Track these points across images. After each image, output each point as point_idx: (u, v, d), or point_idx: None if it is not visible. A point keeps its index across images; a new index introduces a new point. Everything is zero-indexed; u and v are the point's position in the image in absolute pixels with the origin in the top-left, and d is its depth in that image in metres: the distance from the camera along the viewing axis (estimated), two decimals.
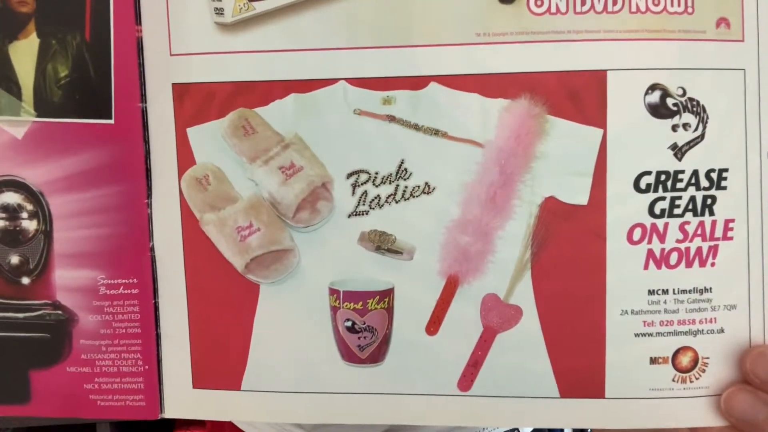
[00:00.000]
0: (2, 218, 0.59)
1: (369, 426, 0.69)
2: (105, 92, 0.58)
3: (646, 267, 0.55)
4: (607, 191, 0.54)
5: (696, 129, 0.54)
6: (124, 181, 0.59)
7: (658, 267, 0.55)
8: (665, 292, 0.55)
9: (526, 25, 0.54)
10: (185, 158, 0.58)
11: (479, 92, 0.55)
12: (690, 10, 0.53)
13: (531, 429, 0.88)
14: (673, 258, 0.55)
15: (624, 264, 0.55)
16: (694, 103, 0.54)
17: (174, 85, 0.57)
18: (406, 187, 0.56)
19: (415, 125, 0.56)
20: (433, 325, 0.57)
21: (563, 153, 0.55)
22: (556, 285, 0.56)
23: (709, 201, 0.55)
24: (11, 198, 0.59)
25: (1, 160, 0.59)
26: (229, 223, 0.58)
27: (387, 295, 0.57)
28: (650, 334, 0.55)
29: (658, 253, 0.55)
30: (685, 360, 0.56)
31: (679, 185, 0.54)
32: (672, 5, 0.53)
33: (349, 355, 0.58)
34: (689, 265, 0.55)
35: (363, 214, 0.57)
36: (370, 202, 0.57)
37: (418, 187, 0.56)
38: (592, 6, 0.53)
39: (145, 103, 0.58)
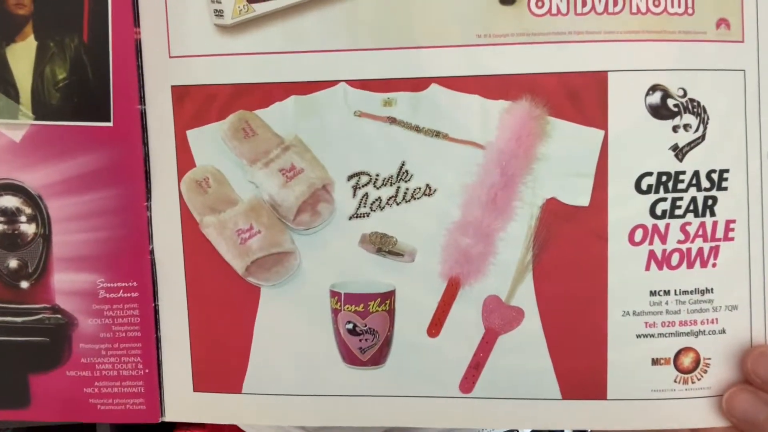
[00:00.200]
0: (1, 222, 0.59)
1: (370, 428, 0.68)
2: (103, 95, 0.57)
3: (647, 268, 0.55)
4: (608, 192, 0.54)
5: (697, 130, 0.54)
6: (123, 183, 0.58)
7: (660, 268, 0.55)
8: (667, 293, 0.55)
9: (526, 26, 0.54)
10: (185, 161, 0.58)
11: (480, 94, 0.55)
12: (690, 11, 0.53)
13: (530, 431, 0.88)
14: (675, 259, 0.55)
15: (625, 265, 0.55)
16: (695, 103, 0.54)
17: (173, 87, 0.57)
18: (407, 189, 0.56)
19: (415, 127, 0.56)
20: (435, 327, 0.57)
21: (564, 154, 0.55)
22: (558, 286, 0.56)
23: (710, 202, 0.55)
24: (9, 201, 0.59)
25: None
26: (229, 225, 0.57)
27: (388, 297, 0.57)
28: (652, 335, 0.55)
29: (659, 254, 0.55)
30: (686, 361, 0.56)
31: (680, 186, 0.54)
32: (672, 6, 0.53)
33: (350, 358, 0.58)
34: (690, 265, 0.55)
35: (364, 216, 0.57)
36: (371, 204, 0.57)
37: (419, 188, 0.56)
38: (593, 7, 0.53)
39: (144, 105, 0.58)
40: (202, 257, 0.59)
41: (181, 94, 0.57)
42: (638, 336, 0.55)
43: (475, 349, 0.57)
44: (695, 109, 0.54)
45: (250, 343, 0.59)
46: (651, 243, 0.55)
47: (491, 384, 0.57)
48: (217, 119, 0.57)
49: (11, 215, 0.59)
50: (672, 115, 0.54)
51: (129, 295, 0.59)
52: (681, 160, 0.54)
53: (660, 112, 0.54)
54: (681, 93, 0.54)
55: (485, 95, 0.54)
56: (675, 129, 0.54)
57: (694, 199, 0.55)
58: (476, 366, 0.57)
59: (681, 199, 0.54)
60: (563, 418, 0.57)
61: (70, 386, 0.61)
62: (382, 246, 0.57)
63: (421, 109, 0.55)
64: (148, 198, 0.58)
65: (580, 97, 0.54)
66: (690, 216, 0.55)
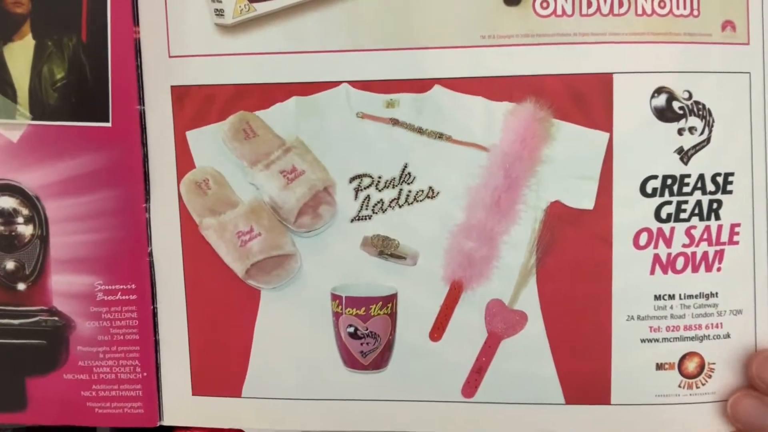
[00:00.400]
0: None
1: None
2: (102, 94, 0.57)
3: (652, 272, 0.54)
4: (613, 196, 0.54)
5: (702, 132, 0.54)
6: (121, 184, 0.58)
7: (665, 272, 0.54)
8: (671, 297, 0.55)
9: (531, 27, 0.53)
10: (184, 162, 0.57)
11: (484, 95, 0.54)
12: (696, 12, 0.53)
13: None
14: (680, 263, 0.54)
15: (630, 269, 0.54)
16: (700, 106, 0.53)
17: (173, 87, 0.56)
18: (409, 191, 0.56)
19: (418, 128, 0.55)
20: (437, 331, 0.57)
21: (569, 157, 0.54)
22: (562, 290, 0.55)
23: (715, 205, 0.54)
24: (6, 202, 0.58)
25: None
26: (229, 227, 0.57)
27: (390, 300, 0.57)
28: (656, 340, 0.55)
29: (664, 258, 0.54)
30: (691, 366, 0.55)
31: (686, 189, 0.54)
32: (678, 8, 0.53)
33: (351, 362, 0.58)
34: (695, 269, 0.55)
35: (366, 219, 0.56)
36: (373, 207, 0.56)
37: (422, 191, 0.56)
38: (598, 8, 0.53)
39: (143, 105, 0.57)
40: (201, 259, 0.58)
41: (180, 94, 0.56)
42: (642, 340, 0.55)
43: (477, 354, 0.56)
44: (700, 112, 0.53)
45: (249, 346, 0.58)
46: (656, 247, 0.54)
47: (494, 389, 0.56)
48: (218, 120, 0.56)
49: (8, 216, 0.58)
50: (677, 117, 0.53)
51: (127, 297, 0.59)
52: (686, 163, 0.54)
53: (665, 114, 0.53)
54: (686, 95, 0.53)
55: (489, 97, 0.54)
56: (680, 132, 0.53)
57: (699, 203, 0.54)
58: (479, 370, 0.56)
59: (686, 202, 0.54)
60: (567, 423, 0.56)
61: (67, 389, 0.60)
62: (384, 249, 0.56)
63: (424, 111, 0.55)
64: (147, 199, 0.58)
65: (585, 99, 0.53)
66: (695, 219, 0.54)
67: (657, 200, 0.54)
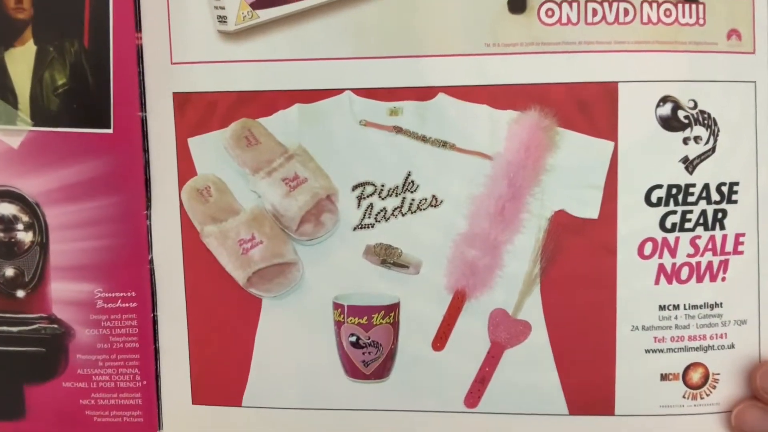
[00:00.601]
0: None
1: None
2: (104, 101, 0.56)
3: (657, 282, 0.54)
4: (618, 205, 0.54)
5: (707, 142, 0.53)
6: (122, 191, 0.57)
7: (669, 282, 0.54)
8: (676, 307, 0.54)
9: (536, 35, 0.53)
10: (186, 169, 0.57)
11: (488, 103, 0.54)
12: (701, 21, 0.52)
13: None
14: (684, 273, 0.54)
15: (635, 279, 0.54)
16: (705, 115, 0.53)
17: (175, 94, 0.56)
18: (412, 199, 0.55)
19: (422, 137, 0.55)
20: (440, 340, 0.56)
21: (573, 166, 0.54)
22: (566, 300, 0.55)
23: (719, 215, 0.54)
24: (6, 209, 0.58)
25: None
26: (230, 235, 0.56)
27: (392, 309, 0.56)
28: (661, 350, 0.54)
29: (669, 268, 0.54)
30: (695, 376, 0.55)
31: (690, 199, 0.54)
32: (683, 16, 0.52)
33: (353, 371, 0.57)
34: (700, 279, 0.54)
35: (368, 227, 0.56)
36: (376, 215, 0.56)
37: (425, 199, 0.55)
38: (604, 17, 0.52)
39: (145, 112, 0.57)
40: (202, 267, 0.58)
41: (182, 101, 0.56)
42: (647, 351, 0.54)
43: (480, 363, 0.56)
44: (706, 121, 0.53)
45: (250, 355, 0.58)
46: (660, 256, 0.54)
47: (497, 399, 0.56)
48: (220, 127, 0.56)
49: (8, 223, 0.58)
50: (682, 126, 0.53)
51: (127, 305, 0.58)
52: (691, 173, 0.53)
53: (670, 123, 0.53)
54: (692, 104, 0.53)
55: (493, 105, 0.54)
56: (685, 141, 0.53)
57: (704, 212, 0.54)
58: (482, 380, 0.56)
59: (691, 212, 0.54)
60: None
61: (66, 397, 0.59)
62: (387, 257, 0.56)
63: (428, 119, 0.54)
64: (148, 206, 0.57)
65: (590, 108, 0.53)
66: (700, 229, 0.54)
67: (662, 210, 0.54)
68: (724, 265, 0.54)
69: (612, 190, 0.53)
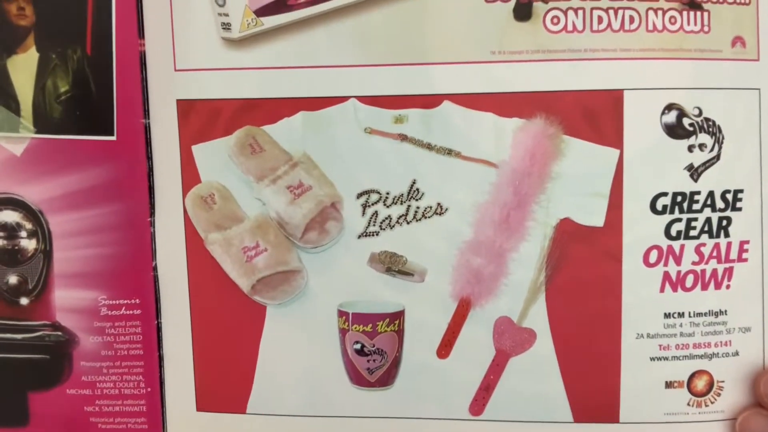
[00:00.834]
0: (0, 237, 0.58)
1: None
2: (107, 108, 0.56)
3: (662, 290, 0.54)
4: (623, 213, 0.53)
5: (712, 149, 0.53)
6: (126, 199, 0.57)
7: (674, 290, 0.54)
8: (681, 315, 0.54)
9: (542, 43, 0.53)
10: (190, 176, 0.57)
11: (494, 111, 0.54)
12: (706, 29, 0.52)
13: None
14: (689, 280, 0.54)
15: (640, 287, 0.54)
16: (710, 123, 0.53)
17: (178, 101, 0.56)
18: (417, 207, 0.55)
19: (427, 144, 0.55)
20: (445, 348, 0.56)
21: (579, 174, 0.54)
22: (571, 308, 0.55)
23: (724, 222, 0.54)
24: (9, 216, 0.58)
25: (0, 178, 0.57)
26: (235, 243, 0.56)
27: (397, 317, 0.56)
28: (666, 358, 0.54)
29: (674, 276, 0.54)
30: (700, 384, 0.55)
31: (695, 207, 0.54)
32: (688, 24, 0.52)
33: (357, 379, 0.57)
34: (705, 287, 0.54)
35: (373, 235, 0.56)
36: (381, 223, 0.56)
37: (430, 207, 0.55)
38: (609, 24, 0.52)
39: (148, 119, 0.56)
40: (206, 275, 0.57)
41: (186, 108, 0.56)
42: (652, 359, 0.54)
43: (485, 371, 0.56)
44: (710, 129, 0.53)
45: (255, 362, 0.58)
46: (666, 264, 0.54)
47: (502, 407, 0.56)
48: (224, 134, 0.56)
49: (11, 230, 0.58)
50: (687, 134, 0.53)
51: (131, 312, 0.58)
52: (696, 181, 0.53)
53: (675, 131, 0.53)
54: (696, 112, 0.53)
55: (499, 113, 0.54)
56: (690, 149, 0.53)
57: (708, 220, 0.54)
58: (486, 388, 0.56)
59: (696, 219, 0.54)
60: None
61: (70, 405, 0.59)
62: (392, 265, 0.56)
63: (433, 127, 0.54)
64: (152, 214, 0.57)
65: (596, 116, 0.53)
66: (704, 237, 0.54)
67: (667, 217, 0.54)
68: (729, 272, 0.54)
69: (617, 198, 0.53)
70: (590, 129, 0.53)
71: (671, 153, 0.53)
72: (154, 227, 0.57)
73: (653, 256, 0.54)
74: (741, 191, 0.54)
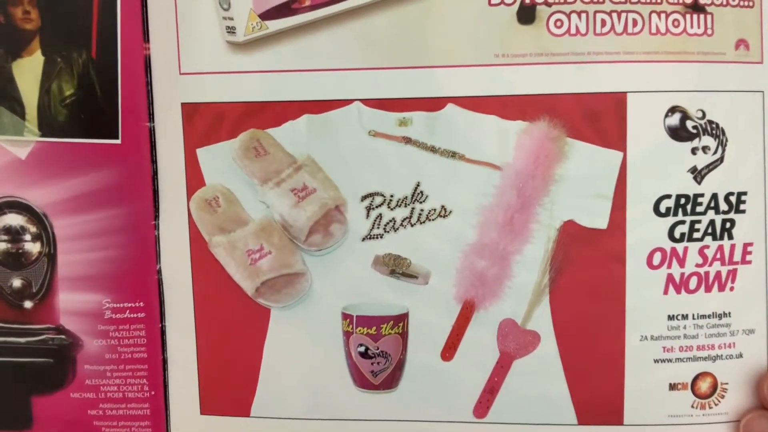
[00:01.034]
0: (4, 240, 0.58)
1: None
2: (111, 111, 0.56)
3: (665, 292, 0.54)
4: (626, 215, 0.54)
5: (715, 152, 0.53)
6: (130, 202, 0.57)
7: (678, 292, 0.54)
8: (685, 317, 0.54)
9: (545, 46, 0.53)
10: (194, 179, 0.57)
11: (497, 114, 0.54)
12: (709, 31, 0.53)
13: None
14: (693, 282, 0.54)
15: (644, 289, 0.54)
16: (714, 125, 0.53)
17: (183, 104, 0.56)
18: (421, 210, 0.55)
19: (431, 147, 0.55)
20: (449, 350, 0.56)
21: (583, 176, 0.54)
22: (575, 310, 0.55)
23: (728, 225, 0.54)
24: (14, 220, 0.58)
25: (4, 181, 0.57)
26: (239, 245, 0.56)
27: (401, 320, 0.56)
28: (670, 360, 0.54)
29: (677, 278, 0.54)
30: (704, 386, 0.55)
31: (699, 209, 0.54)
32: (692, 27, 0.52)
33: (362, 381, 0.57)
34: (708, 289, 0.54)
35: (377, 238, 0.56)
36: (385, 226, 0.56)
37: (434, 210, 0.55)
38: (612, 27, 0.52)
39: (153, 122, 0.57)
40: (210, 277, 0.58)
41: (190, 111, 0.56)
42: (656, 361, 0.54)
43: (489, 374, 0.56)
44: (714, 131, 0.53)
45: (259, 365, 0.58)
46: (669, 266, 0.54)
47: (506, 409, 0.56)
48: (228, 137, 0.56)
49: (15, 234, 0.58)
50: (691, 137, 0.53)
51: (135, 315, 0.58)
52: (699, 183, 0.53)
53: (679, 133, 0.53)
54: (700, 114, 0.53)
55: (502, 115, 0.54)
56: (694, 151, 0.53)
57: (712, 222, 0.54)
58: (491, 390, 0.56)
59: (699, 222, 0.54)
60: None
61: (74, 408, 0.59)
62: (396, 268, 0.56)
63: (437, 129, 0.54)
64: (156, 217, 0.57)
65: (599, 118, 0.53)
66: (708, 239, 0.54)
67: (670, 220, 0.54)
68: (733, 274, 0.54)
69: (621, 200, 0.53)
70: (593, 131, 0.53)
71: (675, 155, 0.53)
72: (158, 230, 0.58)
73: (657, 258, 0.54)
74: (744, 193, 0.54)
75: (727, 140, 0.53)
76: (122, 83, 0.56)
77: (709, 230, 0.54)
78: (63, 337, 0.58)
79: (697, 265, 0.54)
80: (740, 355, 0.55)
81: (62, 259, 0.58)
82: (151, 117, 0.56)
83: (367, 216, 0.56)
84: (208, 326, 0.58)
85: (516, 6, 0.53)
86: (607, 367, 0.55)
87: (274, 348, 0.58)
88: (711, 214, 0.54)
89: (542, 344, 0.55)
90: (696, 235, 0.54)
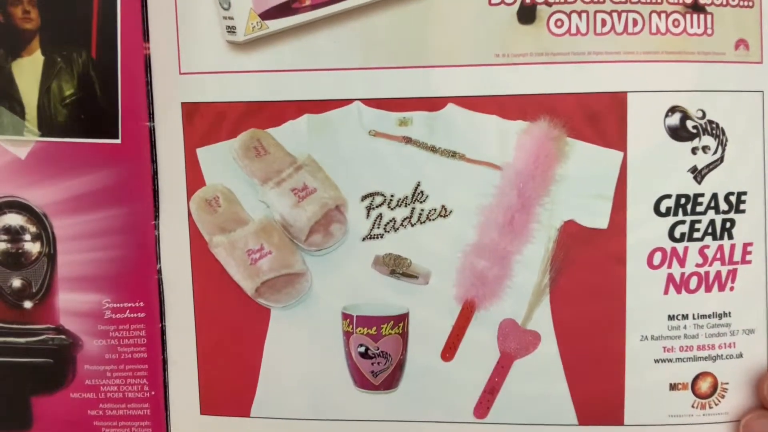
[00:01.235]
0: (4, 240, 0.58)
1: None
2: (111, 111, 0.56)
3: (666, 292, 0.54)
4: (627, 215, 0.54)
5: (715, 152, 0.53)
6: (130, 202, 0.57)
7: (678, 291, 0.54)
8: (685, 317, 0.54)
9: (545, 46, 0.53)
10: (194, 179, 0.57)
11: (498, 114, 0.54)
12: (709, 31, 0.53)
13: None
14: (693, 282, 0.54)
15: (644, 289, 0.54)
16: (714, 125, 0.53)
17: (183, 104, 0.56)
18: (422, 210, 0.55)
19: (431, 147, 0.55)
20: (449, 350, 0.56)
21: (583, 176, 0.54)
22: (575, 310, 0.55)
23: (728, 224, 0.54)
24: (14, 220, 0.57)
25: (4, 181, 0.57)
26: (239, 245, 0.56)
27: (401, 320, 0.56)
28: (670, 360, 0.54)
29: (678, 278, 0.54)
30: (704, 386, 0.55)
31: (699, 209, 0.54)
32: (692, 27, 0.52)
33: (362, 382, 0.57)
34: (708, 289, 0.54)
35: (378, 238, 0.56)
36: (385, 225, 0.56)
37: (435, 210, 0.55)
38: (613, 27, 0.52)
39: (153, 122, 0.57)
40: (210, 277, 0.57)
41: (190, 111, 0.56)
42: (656, 361, 0.54)
43: (490, 374, 0.56)
44: (714, 131, 0.53)
45: (259, 365, 0.58)
46: (669, 266, 0.54)
47: (506, 409, 0.56)
48: (228, 137, 0.56)
49: (15, 234, 0.58)
50: (691, 136, 0.53)
51: (135, 315, 0.58)
52: (700, 183, 0.54)
53: (679, 133, 0.53)
54: (700, 114, 0.53)
55: (503, 115, 0.54)
56: (694, 151, 0.53)
57: (712, 222, 0.54)
58: (491, 391, 0.56)
59: (699, 221, 0.54)
60: None
61: (74, 408, 0.59)
62: (396, 268, 0.56)
63: (438, 129, 0.54)
64: (156, 217, 0.57)
65: (599, 118, 0.53)
66: (708, 239, 0.54)
67: (671, 219, 0.54)
68: (733, 274, 0.54)
69: (621, 200, 0.53)
70: (594, 131, 0.53)
71: (675, 155, 0.53)
72: (158, 230, 0.57)
73: (657, 258, 0.54)
74: (744, 193, 0.54)
75: (727, 140, 0.53)
76: (122, 83, 0.56)
77: (710, 230, 0.54)
78: (63, 337, 0.58)
79: (698, 265, 0.54)
80: (740, 355, 0.55)
81: (62, 259, 0.58)
82: (151, 117, 0.56)
83: (368, 216, 0.56)
84: (208, 326, 0.58)
85: (516, 6, 0.53)
86: (607, 367, 0.55)
87: (274, 348, 0.58)
88: (711, 213, 0.54)
89: (543, 344, 0.55)
90: (696, 235, 0.54)
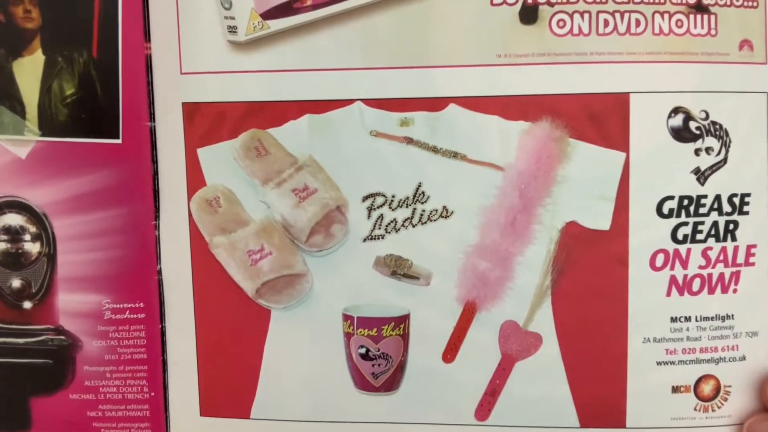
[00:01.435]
0: (4, 240, 0.58)
1: None
2: (112, 111, 0.56)
3: (668, 294, 0.54)
4: (629, 216, 0.53)
5: (719, 153, 0.53)
6: (131, 202, 0.57)
7: (681, 293, 0.54)
8: (688, 319, 0.54)
9: (548, 46, 0.53)
10: (195, 179, 0.57)
11: (499, 114, 0.54)
12: (713, 32, 0.52)
13: None
14: (696, 284, 0.54)
15: (646, 291, 0.54)
16: (717, 126, 0.53)
17: (184, 104, 0.56)
18: (423, 210, 0.55)
19: (433, 147, 0.55)
20: (450, 352, 0.56)
21: (585, 177, 0.54)
22: (577, 312, 0.54)
23: (731, 226, 0.54)
24: (13, 220, 0.57)
25: (4, 181, 0.57)
26: (239, 246, 0.56)
27: (402, 321, 0.56)
28: (672, 362, 0.54)
29: (680, 280, 0.54)
30: (707, 388, 0.54)
31: (702, 210, 0.53)
32: (695, 27, 0.52)
33: (362, 383, 0.57)
34: (711, 291, 0.54)
35: (378, 238, 0.56)
36: (386, 226, 0.55)
37: (436, 210, 0.55)
38: (615, 27, 0.52)
39: (154, 122, 0.56)
40: (211, 278, 0.57)
41: (191, 111, 0.56)
42: (659, 363, 0.54)
43: (491, 376, 0.56)
44: (717, 132, 0.53)
45: (259, 367, 0.58)
46: (672, 268, 0.54)
47: (508, 411, 0.56)
48: (229, 137, 0.56)
49: (15, 234, 0.57)
50: (694, 138, 0.53)
51: (135, 316, 0.58)
52: (703, 184, 0.53)
53: (682, 134, 0.53)
54: (703, 115, 0.53)
55: (505, 116, 0.53)
56: (697, 152, 0.53)
57: (715, 224, 0.54)
58: (492, 393, 0.56)
59: (702, 223, 0.54)
60: None
61: (73, 409, 0.59)
62: (397, 269, 0.55)
63: (439, 130, 0.54)
64: (157, 217, 0.57)
65: (602, 119, 0.53)
66: (711, 241, 0.54)
67: (673, 221, 0.53)
68: (736, 276, 0.54)
69: (623, 202, 0.53)
70: (596, 132, 0.53)
71: (678, 156, 0.53)
72: (158, 230, 0.57)
73: (660, 259, 0.54)
74: (748, 195, 0.54)
75: (730, 141, 0.53)
76: (123, 83, 0.56)
77: (713, 232, 0.54)
78: (62, 337, 0.58)
79: (700, 267, 0.54)
80: (743, 358, 0.55)
81: (62, 259, 0.57)
82: (151, 116, 0.56)
83: (369, 216, 0.56)
84: (208, 327, 0.58)
85: (518, 6, 0.52)
86: (609, 370, 0.54)
87: (275, 349, 0.57)
88: (714, 215, 0.54)
89: (544, 346, 0.55)
90: (699, 236, 0.54)
